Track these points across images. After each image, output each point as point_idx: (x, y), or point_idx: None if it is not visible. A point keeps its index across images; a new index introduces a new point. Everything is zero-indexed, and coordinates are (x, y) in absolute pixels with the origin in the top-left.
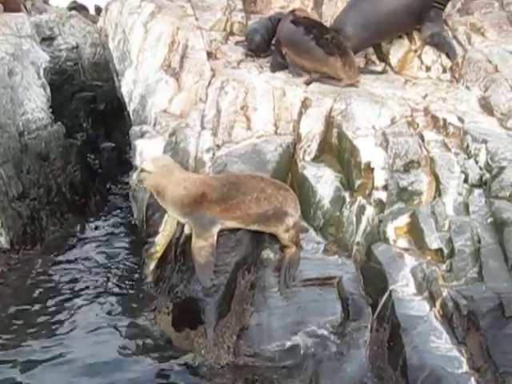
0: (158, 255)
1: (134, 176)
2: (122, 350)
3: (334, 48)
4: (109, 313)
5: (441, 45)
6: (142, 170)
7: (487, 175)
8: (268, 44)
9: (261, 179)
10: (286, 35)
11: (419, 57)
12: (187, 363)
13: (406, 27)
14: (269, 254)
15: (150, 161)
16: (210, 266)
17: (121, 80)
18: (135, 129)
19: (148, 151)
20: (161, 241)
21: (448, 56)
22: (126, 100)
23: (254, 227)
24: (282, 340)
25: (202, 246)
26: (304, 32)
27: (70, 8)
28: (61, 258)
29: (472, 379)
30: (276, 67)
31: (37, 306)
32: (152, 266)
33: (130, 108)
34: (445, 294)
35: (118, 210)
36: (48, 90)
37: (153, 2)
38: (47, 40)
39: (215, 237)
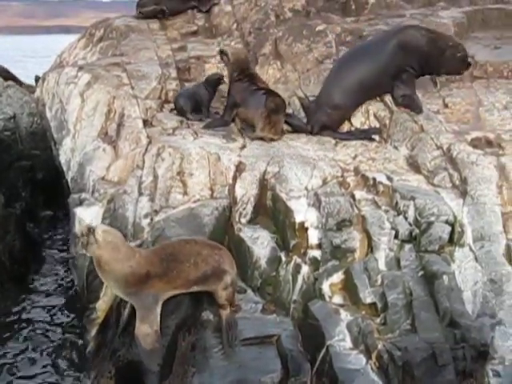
0: (100, 321)
1: (77, 228)
2: None
3: (272, 104)
4: (50, 380)
5: (410, 106)
6: (91, 232)
7: (416, 230)
8: (194, 107)
9: (195, 242)
10: (240, 92)
11: (349, 119)
12: None
13: (385, 88)
14: (208, 315)
15: (102, 228)
16: (156, 352)
17: (59, 149)
18: (74, 197)
19: (87, 218)
20: (102, 306)
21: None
22: (65, 168)
23: (194, 289)
24: None
25: (147, 333)
26: (263, 92)
27: None
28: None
29: None
30: (213, 124)
31: None
32: (93, 331)
33: (69, 176)
34: (380, 346)
35: (58, 278)
36: None
37: (89, 72)
38: None
39: (158, 319)
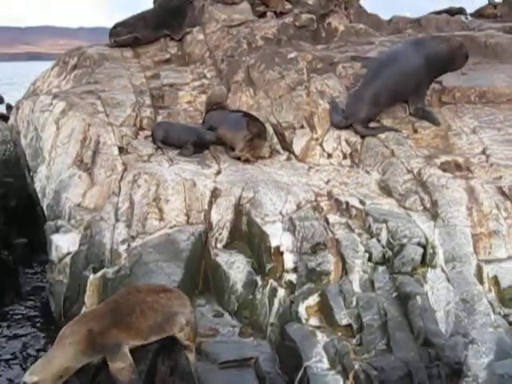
0: None
1: (53, 255)
2: None
3: (255, 129)
4: None
5: (425, 118)
6: None
7: (389, 253)
8: (169, 140)
9: (136, 290)
10: (215, 117)
11: (320, 145)
12: None
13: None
14: None
15: (29, 376)
16: (135, 383)
17: (33, 176)
18: (50, 224)
19: (63, 245)
20: None
21: (435, 124)
22: (40, 196)
23: (154, 339)
24: None
25: (121, 367)
26: (243, 114)
27: None
28: None
29: None
30: (188, 152)
31: None
32: None
33: (44, 203)
34: (356, 366)
35: (35, 305)
36: None
37: (64, 100)
38: None
39: (129, 354)
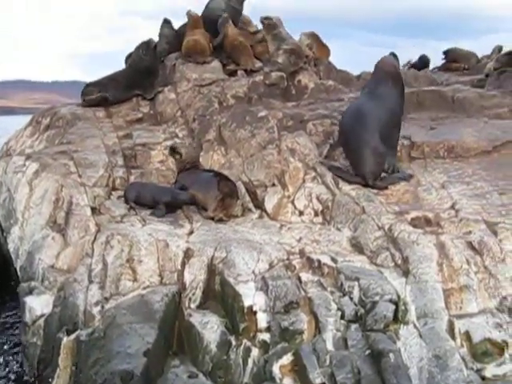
0: None
1: (27, 317)
2: None
3: (226, 189)
4: None
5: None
6: None
7: (362, 310)
8: (142, 200)
9: None
10: (187, 177)
11: (292, 202)
12: None
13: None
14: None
15: None
16: None
17: (7, 237)
18: (23, 285)
19: (37, 307)
20: None
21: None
22: (13, 257)
23: None
24: None
25: None
26: (213, 174)
27: None
28: None
29: None
30: (161, 213)
31: None
32: None
33: (17, 265)
34: None
35: (8, 367)
36: None
37: (37, 161)
38: None
39: None
